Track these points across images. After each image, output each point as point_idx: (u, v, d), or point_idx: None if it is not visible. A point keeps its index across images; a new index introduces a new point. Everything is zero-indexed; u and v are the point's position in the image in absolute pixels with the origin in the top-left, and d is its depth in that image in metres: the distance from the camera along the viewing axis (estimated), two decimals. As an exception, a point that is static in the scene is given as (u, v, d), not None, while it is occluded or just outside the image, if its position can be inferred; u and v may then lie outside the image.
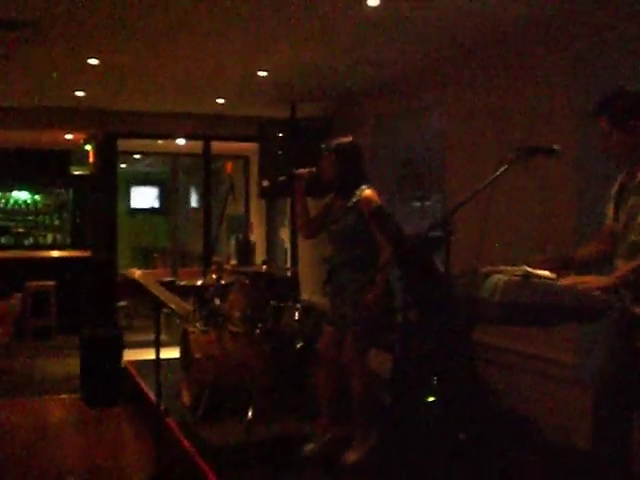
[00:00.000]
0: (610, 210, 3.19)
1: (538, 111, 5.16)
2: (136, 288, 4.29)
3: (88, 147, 10.16)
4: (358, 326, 4.37)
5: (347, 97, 8.18)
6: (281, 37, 5.82)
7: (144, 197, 15.29)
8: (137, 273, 4.49)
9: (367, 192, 4.42)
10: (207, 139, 9.94)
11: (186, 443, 4.82)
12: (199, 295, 6.48)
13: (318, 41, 5.94)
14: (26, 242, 12.74)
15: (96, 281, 9.47)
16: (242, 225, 11.94)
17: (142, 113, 9.27)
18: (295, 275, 7.68)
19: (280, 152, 8.13)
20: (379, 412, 4.60)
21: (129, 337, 8.17)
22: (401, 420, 4.50)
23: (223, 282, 5.94)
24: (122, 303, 10.35)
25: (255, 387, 5.16)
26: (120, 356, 6.92)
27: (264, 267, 5.97)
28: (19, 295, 7.39)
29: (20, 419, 6.22)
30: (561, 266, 3.08)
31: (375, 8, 4.99)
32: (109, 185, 9.62)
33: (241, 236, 11.63)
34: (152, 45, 6.08)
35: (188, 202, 15.02)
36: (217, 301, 5.78)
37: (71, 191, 12.71)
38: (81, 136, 10.14)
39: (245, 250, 11.00)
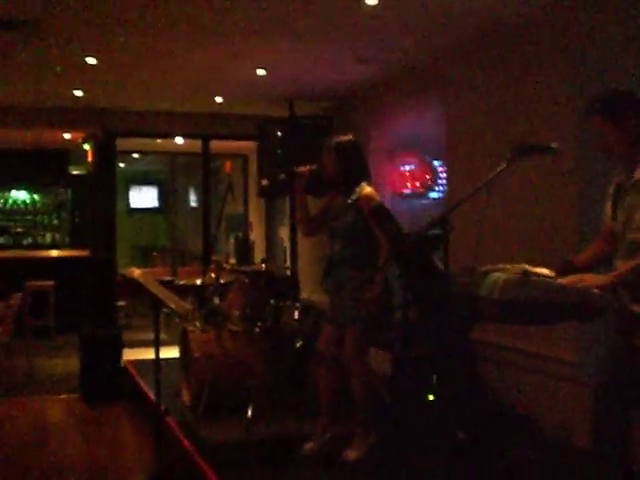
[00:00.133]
0: (608, 209, 3.20)
1: (539, 110, 5.16)
2: (135, 287, 4.29)
3: (87, 146, 10.16)
4: (358, 324, 4.37)
5: (347, 96, 8.18)
6: (280, 35, 5.83)
7: (143, 197, 15.27)
8: (136, 272, 4.47)
9: (367, 190, 4.43)
10: (206, 138, 9.95)
11: (186, 442, 4.81)
12: (198, 294, 6.48)
13: (317, 39, 5.95)
14: (25, 242, 12.75)
15: (95, 280, 9.48)
16: (241, 224, 11.95)
17: (141, 112, 9.27)
18: (295, 274, 7.67)
19: (279, 151, 8.13)
20: (379, 410, 4.60)
21: (128, 336, 8.17)
22: (401, 419, 4.50)
23: (222, 281, 5.94)
24: (121, 303, 10.35)
25: (254, 386, 5.16)
26: (119, 355, 6.92)
27: (263, 266, 5.96)
28: (19, 295, 7.38)
29: (19, 418, 6.22)
30: (561, 272, 3.07)
31: (374, 7, 4.99)
32: (108, 184, 9.62)
33: (240, 235, 11.64)
34: (150, 44, 6.09)
35: (187, 201, 15.01)
36: (216, 300, 5.78)
37: (70, 191, 12.71)
38: (80, 135, 10.14)
39: (244, 249, 11.01)
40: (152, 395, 4.91)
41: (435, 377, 4.37)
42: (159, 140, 10.33)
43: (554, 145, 3.25)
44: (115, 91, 8.03)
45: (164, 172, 14.78)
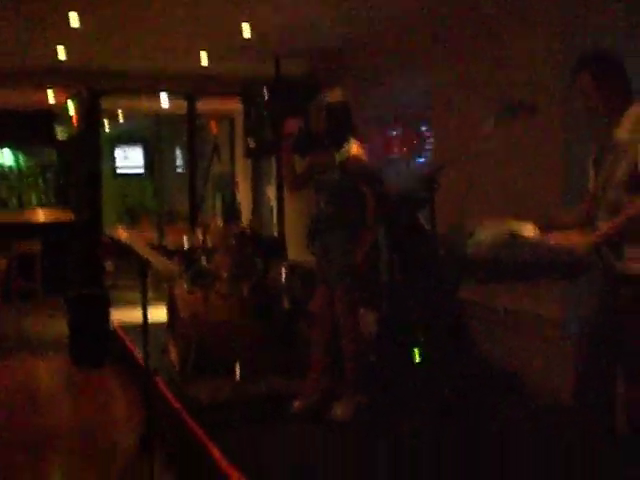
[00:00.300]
0: (591, 172, 3.21)
1: (525, 70, 5.13)
2: (122, 248, 4.27)
3: (71, 106, 10.03)
4: (346, 280, 4.40)
5: (332, 53, 8.09)
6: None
7: (128, 159, 15.13)
8: (123, 234, 4.44)
9: (354, 149, 4.44)
10: (191, 97, 9.84)
11: (175, 402, 4.84)
12: (185, 256, 6.46)
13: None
14: (10, 204, 12.64)
15: (81, 242, 9.42)
16: (228, 184, 11.89)
17: (125, 71, 9.14)
18: (282, 234, 7.68)
19: (265, 112, 8.06)
20: (365, 370, 4.62)
21: (116, 295, 8.16)
22: (387, 379, 4.53)
23: (209, 243, 5.93)
24: (108, 266, 10.29)
25: (242, 344, 5.18)
26: (107, 315, 6.90)
27: (249, 226, 5.96)
28: (4, 261, 7.35)
29: (7, 380, 6.23)
30: (545, 228, 3.09)
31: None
32: (93, 144, 9.52)
33: (227, 195, 11.58)
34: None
35: (174, 162, 14.91)
36: (204, 261, 5.78)
37: (55, 152, 12.58)
38: (64, 96, 10.01)
39: (231, 209, 10.97)
40: (140, 357, 4.91)
41: (422, 337, 4.40)
42: (144, 101, 10.20)
43: (531, 103, 3.27)
44: (99, 49, 7.91)
45: (149, 129, 14.62)
